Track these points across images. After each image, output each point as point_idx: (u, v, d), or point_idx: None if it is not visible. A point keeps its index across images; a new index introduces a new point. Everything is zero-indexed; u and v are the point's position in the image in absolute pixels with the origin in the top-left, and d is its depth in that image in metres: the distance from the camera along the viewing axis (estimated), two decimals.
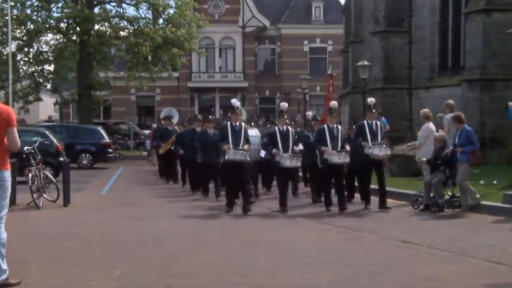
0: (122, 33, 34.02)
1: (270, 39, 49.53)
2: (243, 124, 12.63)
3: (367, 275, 7.02)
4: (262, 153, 13.23)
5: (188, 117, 22.48)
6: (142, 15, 34.21)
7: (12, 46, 32.06)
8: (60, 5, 32.92)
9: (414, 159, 14.79)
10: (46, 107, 49.84)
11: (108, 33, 33.45)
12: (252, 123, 15.99)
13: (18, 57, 33.55)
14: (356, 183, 13.77)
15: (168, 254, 8.27)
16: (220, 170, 13.98)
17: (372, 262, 7.66)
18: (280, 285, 6.66)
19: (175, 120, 27.73)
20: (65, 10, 31.99)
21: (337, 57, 37.74)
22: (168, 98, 46.95)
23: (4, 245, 6.44)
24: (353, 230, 10.28)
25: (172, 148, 18.48)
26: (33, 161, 13.26)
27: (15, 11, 31.91)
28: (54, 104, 45.95)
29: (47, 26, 32.33)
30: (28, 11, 32.50)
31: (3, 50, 32.53)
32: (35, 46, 34.23)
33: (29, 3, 32.40)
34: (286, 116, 12.92)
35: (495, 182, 14.10)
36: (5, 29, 30.17)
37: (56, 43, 34.42)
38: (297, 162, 12.47)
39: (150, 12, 34.12)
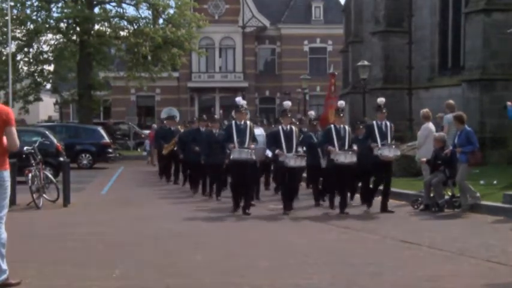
0: (121, 33, 34.04)
1: (270, 39, 49.52)
2: (248, 123, 12.32)
3: (367, 275, 7.02)
4: (269, 153, 12.91)
5: (192, 117, 22.29)
6: (142, 15, 34.29)
7: (12, 46, 32.09)
8: (60, 5, 32.94)
9: (414, 159, 14.79)
10: (46, 107, 49.84)
11: (108, 33, 33.46)
12: (258, 123, 15.93)
13: (18, 57, 33.55)
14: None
15: (168, 254, 8.26)
16: (225, 171, 13.93)
17: (372, 262, 7.66)
18: (280, 285, 6.65)
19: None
20: (65, 10, 31.99)
21: (337, 57, 37.72)
22: (168, 98, 46.95)
23: (4, 245, 6.44)
24: (353, 230, 10.27)
25: (175, 149, 18.35)
26: (33, 161, 13.24)
27: (15, 11, 31.93)
28: (54, 104, 45.96)
29: (47, 26, 32.34)
30: (28, 11, 32.51)
31: (3, 50, 32.53)
32: (35, 46, 34.23)
33: (29, 3, 32.42)
34: (290, 115, 12.62)
35: (495, 182, 14.10)
36: (5, 29, 30.18)
37: (56, 43, 34.42)
38: (301, 162, 12.12)
39: (150, 12, 34.16)
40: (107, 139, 26.50)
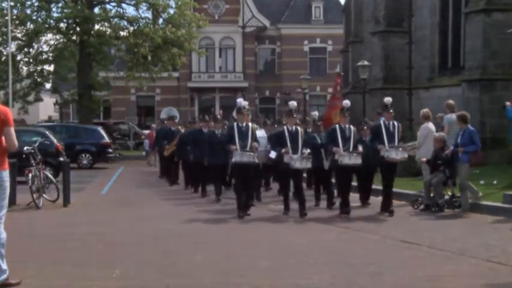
0: (121, 33, 34.01)
1: (270, 39, 49.51)
2: (250, 124, 12.00)
3: (367, 275, 7.02)
4: (273, 155, 12.47)
5: (193, 117, 22.14)
6: (142, 15, 34.28)
7: (12, 46, 32.10)
8: (60, 5, 32.92)
9: (414, 159, 14.79)
10: (46, 107, 49.85)
11: (108, 33, 33.44)
12: (261, 124, 15.80)
13: (18, 57, 33.55)
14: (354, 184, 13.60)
15: (168, 254, 8.27)
16: (227, 171, 13.82)
17: (372, 262, 7.66)
18: (280, 285, 6.66)
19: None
20: (65, 10, 31.98)
21: (337, 57, 37.71)
22: (168, 98, 46.94)
23: (4, 245, 6.44)
24: (353, 230, 10.27)
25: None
26: (33, 161, 13.24)
27: (15, 11, 31.91)
28: (54, 104, 45.96)
29: (47, 26, 32.32)
30: (28, 11, 32.50)
31: (3, 50, 32.53)
32: (35, 46, 34.21)
33: (29, 3, 32.42)
34: (295, 115, 12.36)
35: (495, 182, 14.10)
36: (5, 29, 30.16)
37: (56, 43, 34.42)
38: (307, 164, 11.78)
39: (150, 12, 34.15)
40: (106, 139, 26.50)
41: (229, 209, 12.38)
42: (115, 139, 34.27)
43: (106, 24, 33.69)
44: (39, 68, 34.91)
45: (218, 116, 15.42)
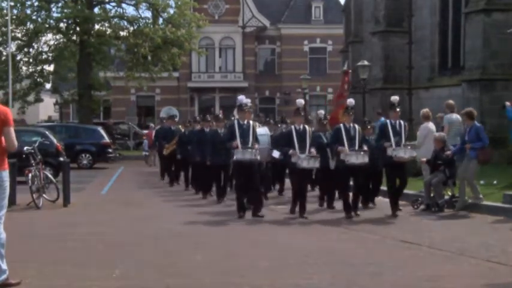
0: (121, 33, 34.01)
1: (270, 39, 49.50)
2: (251, 122, 11.78)
3: (367, 275, 7.02)
4: (276, 154, 12.34)
5: (195, 117, 22.04)
6: (142, 15, 34.30)
7: (12, 46, 32.08)
8: (60, 5, 32.93)
9: (414, 159, 14.77)
10: (46, 107, 49.82)
11: (108, 33, 33.44)
12: (264, 123, 15.70)
13: (18, 57, 33.54)
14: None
15: (168, 254, 8.27)
16: (229, 171, 13.72)
17: (372, 262, 7.66)
18: (280, 285, 6.65)
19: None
20: (65, 10, 31.99)
21: (337, 57, 37.72)
22: (168, 98, 46.93)
23: (4, 245, 6.43)
24: (353, 230, 10.27)
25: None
26: (33, 161, 13.24)
27: (15, 11, 31.90)
28: (54, 104, 45.96)
29: (47, 26, 32.33)
30: (28, 11, 32.50)
31: (3, 50, 32.52)
32: (35, 46, 34.19)
33: (29, 3, 32.41)
34: (303, 114, 12.13)
35: (495, 182, 14.10)
36: (5, 29, 30.17)
37: (56, 43, 34.38)
38: (314, 163, 11.51)
39: (150, 12, 34.16)
40: (106, 139, 26.51)
41: (230, 210, 12.36)
42: (115, 139, 34.27)
43: (106, 24, 33.69)
44: (39, 68, 34.88)
45: (219, 115, 15.32)
